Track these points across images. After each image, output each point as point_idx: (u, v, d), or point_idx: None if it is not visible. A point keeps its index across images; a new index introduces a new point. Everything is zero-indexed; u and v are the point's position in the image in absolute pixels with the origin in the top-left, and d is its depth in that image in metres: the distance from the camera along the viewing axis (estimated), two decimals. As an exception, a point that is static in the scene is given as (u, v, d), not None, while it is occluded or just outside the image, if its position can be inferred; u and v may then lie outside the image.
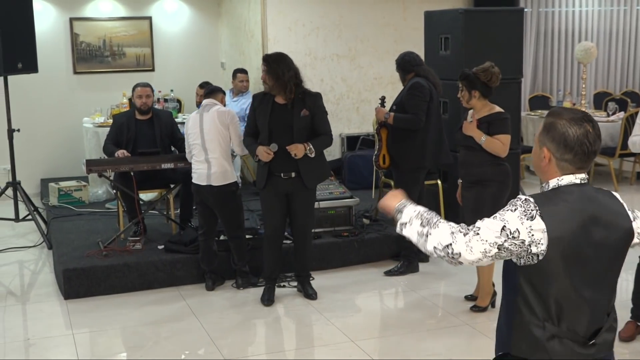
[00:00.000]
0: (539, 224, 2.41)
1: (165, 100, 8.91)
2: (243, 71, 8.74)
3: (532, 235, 2.41)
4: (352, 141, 9.01)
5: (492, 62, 5.42)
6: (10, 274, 6.59)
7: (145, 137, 6.84)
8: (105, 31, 9.68)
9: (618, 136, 9.16)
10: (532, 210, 2.42)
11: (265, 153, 5.49)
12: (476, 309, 5.56)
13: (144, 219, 6.66)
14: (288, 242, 6.16)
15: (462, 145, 5.48)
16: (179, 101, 9.44)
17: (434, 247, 2.53)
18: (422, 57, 7.32)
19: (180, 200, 6.91)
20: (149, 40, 9.85)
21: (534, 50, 10.80)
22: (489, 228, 2.46)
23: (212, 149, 5.81)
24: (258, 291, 5.94)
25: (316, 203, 6.47)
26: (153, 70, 9.89)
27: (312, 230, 5.96)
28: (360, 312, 5.68)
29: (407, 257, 6.38)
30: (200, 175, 5.87)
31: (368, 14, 9.09)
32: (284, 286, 6.06)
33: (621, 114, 9.47)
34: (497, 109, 5.40)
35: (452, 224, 2.55)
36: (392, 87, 8.66)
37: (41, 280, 6.38)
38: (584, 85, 9.81)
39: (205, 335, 5.20)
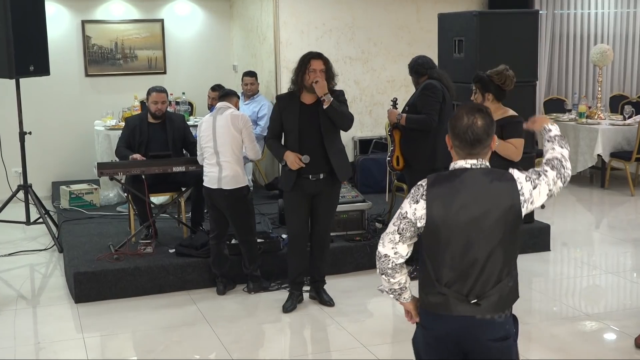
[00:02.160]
0: (421, 204, 2.87)
1: (177, 103, 8.89)
2: (249, 74, 8.68)
3: (415, 214, 2.88)
4: (364, 144, 8.95)
5: (507, 65, 5.37)
6: (21, 277, 6.58)
7: (158, 140, 6.82)
8: (117, 34, 9.68)
9: (634, 140, 9.06)
10: (418, 194, 2.89)
11: (295, 163, 5.40)
12: None
13: (155, 222, 6.63)
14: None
15: None
16: (190, 104, 9.41)
17: (381, 279, 3.09)
18: (436, 59, 7.27)
19: (192, 204, 6.89)
20: (160, 43, 9.84)
21: (549, 53, 10.71)
22: (394, 219, 2.95)
23: (224, 152, 5.77)
24: (270, 295, 5.90)
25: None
26: (165, 72, 9.88)
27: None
28: (372, 317, 5.62)
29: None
30: (211, 178, 5.82)
31: (381, 16, 9.04)
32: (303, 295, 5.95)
33: (638, 117, 9.38)
34: (511, 112, 5.35)
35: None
36: (406, 90, 8.59)
37: (52, 284, 6.38)
38: (599, 89, 9.73)
39: (216, 340, 5.16)
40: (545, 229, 7.07)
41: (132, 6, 9.75)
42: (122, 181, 6.63)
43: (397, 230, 2.93)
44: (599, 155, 9.18)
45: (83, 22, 9.53)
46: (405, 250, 2.98)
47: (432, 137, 6.04)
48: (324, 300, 5.77)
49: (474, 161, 2.95)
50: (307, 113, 5.44)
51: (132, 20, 9.73)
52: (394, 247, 2.96)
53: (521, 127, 5.25)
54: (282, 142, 5.60)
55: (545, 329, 5.31)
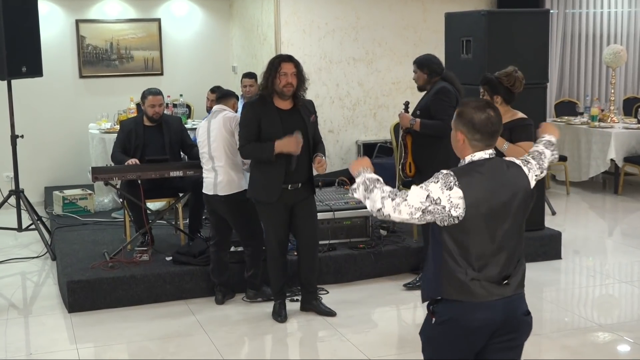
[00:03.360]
0: (457, 192, 2.99)
1: (175, 106, 8.75)
2: (248, 75, 8.53)
3: (451, 202, 2.99)
4: (369, 148, 8.80)
5: (516, 67, 5.26)
6: (12, 285, 6.48)
7: (154, 144, 6.69)
8: (112, 34, 9.58)
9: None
10: (450, 182, 3.01)
11: (296, 142, 5.13)
12: None
13: (152, 229, 6.52)
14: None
15: None
16: (188, 106, 9.26)
17: (371, 210, 3.10)
18: (443, 60, 7.10)
19: (190, 210, 6.75)
20: (157, 43, 9.75)
21: (560, 54, 10.55)
22: (416, 195, 3.03)
23: (218, 157, 5.62)
24: (269, 305, 5.74)
25: (331, 213, 6.44)
26: (162, 74, 9.78)
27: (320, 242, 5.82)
28: (377, 328, 5.52)
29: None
30: (208, 184, 5.71)
31: (386, 16, 8.92)
32: (296, 300, 5.84)
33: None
34: (520, 115, 5.26)
35: (386, 189, 3.09)
36: (412, 92, 8.41)
37: (44, 293, 6.28)
38: (612, 91, 9.58)
39: (214, 351, 5.05)
40: (556, 237, 6.90)
41: (128, 5, 9.65)
42: (118, 186, 6.44)
43: (424, 210, 3.02)
44: (612, 160, 9.03)
45: (77, 22, 9.43)
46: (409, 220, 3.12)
47: (445, 143, 5.81)
48: (323, 311, 5.64)
49: (491, 151, 3.14)
50: (288, 120, 5.27)
51: (127, 19, 9.64)
52: (409, 219, 3.07)
53: (531, 129, 5.20)
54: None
55: (557, 340, 5.21)
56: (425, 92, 6.07)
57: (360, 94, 8.89)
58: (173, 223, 6.95)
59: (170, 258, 6.18)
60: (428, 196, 3.01)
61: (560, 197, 9.05)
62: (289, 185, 5.29)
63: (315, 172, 5.43)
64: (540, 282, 6.27)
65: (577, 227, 7.97)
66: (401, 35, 8.97)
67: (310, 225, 5.48)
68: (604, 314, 5.77)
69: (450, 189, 3.00)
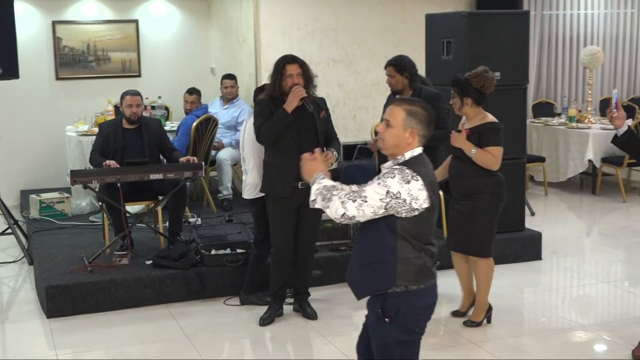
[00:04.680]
0: (415, 184, 3.19)
1: (153, 108, 8.67)
2: (229, 77, 8.55)
3: (411, 194, 3.17)
4: (348, 150, 8.74)
5: (487, 67, 5.22)
6: None
7: (133, 146, 6.60)
8: (89, 35, 9.49)
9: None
10: (407, 175, 3.19)
11: (295, 93, 5.11)
12: (471, 323, 5.37)
13: (131, 232, 6.41)
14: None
15: (453, 156, 5.28)
16: (166, 108, 9.15)
17: (334, 216, 3.21)
18: (423, 62, 7.11)
19: (169, 213, 6.67)
20: (135, 45, 9.66)
21: (538, 55, 10.59)
22: (375, 193, 3.17)
23: (248, 159, 5.65)
24: (252, 308, 5.72)
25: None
26: (139, 76, 9.69)
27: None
28: (358, 330, 5.33)
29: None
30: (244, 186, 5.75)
31: (366, 17, 8.88)
32: (289, 303, 5.79)
33: (629, 121, 9.19)
34: (490, 118, 5.19)
35: (343, 193, 3.22)
36: (390, 94, 8.40)
37: (22, 298, 6.18)
38: (590, 92, 9.59)
39: (196, 356, 5.00)
40: (536, 237, 6.93)
41: (105, 6, 9.56)
42: (97, 190, 6.34)
43: (385, 206, 3.17)
44: (589, 160, 9.05)
45: (54, 23, 9.33)
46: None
47: (441, 150, 5.83)
48: (307, 313, 5.61)
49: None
50: (298, 118, 5.24)
51: (105, 21, 9.55)
52: (372, 216, 3.20)
53: (501, 134, 5.17)
54: (269, 151, 5.39)
55: (537, 341, 5.20)
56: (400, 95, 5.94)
57: (340, 95, 8.84)
58: (152, 226, 6.86)
59: (151, 262, 6.10)
60: (388, 192, 3.15)
61: (538, 197, 9.08)
62: (300, 183, 5.22)
63: None
64: (521, 283, 6.30)
65: (555, 227, 7.98)
66: (381, 36, 8.93)
67: (313, 227, 5.47)
68: (583, 314, 5.77)
69: (409, 182, 3.16)
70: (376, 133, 5.94)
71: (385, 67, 6.00)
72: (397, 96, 5.80)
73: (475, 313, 5.39)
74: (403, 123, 3.28)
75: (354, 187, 3.42)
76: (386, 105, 5.90)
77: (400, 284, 3.25)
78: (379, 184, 3.18)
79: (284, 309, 5.64)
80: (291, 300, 5.75)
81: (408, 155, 3.28)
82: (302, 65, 5.28)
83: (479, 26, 6.65)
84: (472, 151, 5.06)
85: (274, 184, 5.33)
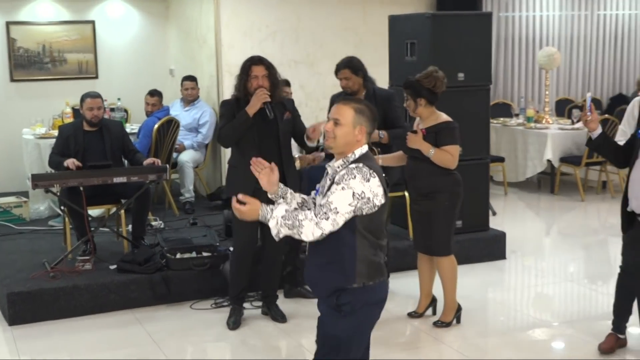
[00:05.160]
0: (374, 181, 3.25)
1: (112, 110, 8.52)
2: (189, 78, 8.47)
3: (372, 191, 3.23)
4: (310, 152, 8.66)
5: (437, 67, 5.24)
6: None
7: (95, 149, 6.45)
8: (44, 36, 9.35)
9: (584, 144, 8.98)
10: (366, 173, 3.24)
11: (258, 95, 5.08)
12: (441, 324, 5.39)
13: (93, 236, 6.28)
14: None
15: (409, 157, 5.29)
16: (125, 110, 9.01)
17: (309, 238, 3.25)
18: (386, 62, 7.13)
19: (133, 216, 6.57)
20: (91, 46, 9.56)
21: (495, 56, 10.65)
22: (343, 199, 3.21)
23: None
24: (219, 311, 5.66)
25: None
26: (97, 77, 9.59)
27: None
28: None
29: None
30: None
31: (327, 18, 8.86)
32: (256, 306, 5.77)
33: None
34: (444, 117, 5.21)
35: (309, 213, 3.26)
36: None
37: None
38: (547, 92, 9.71)
39: None
40: (500, 237, 6.98)
41: (61, 7, 9.43)
42: (58, 193, 6.19)
43: (354, 210, 3.24)
44: (548, 160, 9.14)
45: (7, 24, 9.18)
46: None
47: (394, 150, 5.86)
48: (276, 316, 5.56)
49: None
50: (260, 121, 5.19)
51: (60, 21, 9.42)
52: (343, 223, 3.26)
53: (457, 132, 5.18)
54: (232, 153, 5.39)
55: (505, 340, 5.26)
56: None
57: (302, 96, 8.78)
58: (116, 230, 6.75)
59: (115, 266, 5.99)
60: (353, 194, 3.21)
61: (498, 197, 9.15)
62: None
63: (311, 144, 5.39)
64: (485, 283, 6.35)
65: (515, 226, 8.00)
66: (342, 37, 8.90)
67: None
68: (546, 311, 5.84)
69: (368, 180, 3.23)
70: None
71: (338, 71, 5.88)
72: (345, 96, 5.76)
73: (444, 313, 5.40)
74: (352, 121, 3.34)
75: (310, 200, 3.54)
76: (331, 105, 5.87)
77: (358, 281, 3.30)
78: (342, 188, 3.22)
79: (252, 312, 5.63)
80: (259, 303, 5.71)
81: (358, 152, 3.34)
82: (269, 67, 5.24)
83: (442, 27, 6.64)
84: (430, 151, 5.07)
85: (235, 185, 5.26)
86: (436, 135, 5.10)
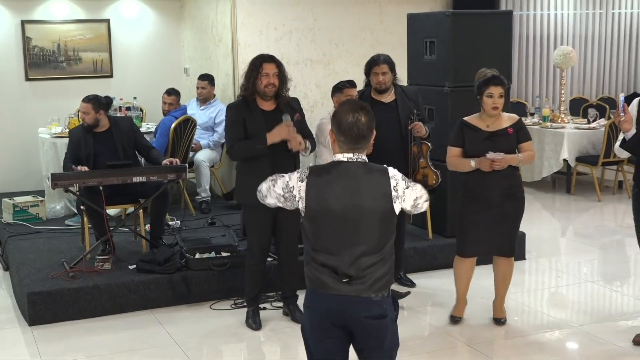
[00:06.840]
0: (303, 186, 3.21)
1: (128, 109, 8.52)
2: (201, 77, 8.48)
3: (300, 193, 3.22)
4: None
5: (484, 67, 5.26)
6: None
7: (107, 149, 6.39)
8: (59, 35, 9.33)
9: (600, 144, 9.01)
10: (303, 175, 3.23)
11: (287, 128, 5.06)
12: (504, 321, 5.44)
13: (112, 236, 6.24)
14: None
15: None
16: (141, 109, 8.99)
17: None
18: (404, 62, 7.07)
19: (151, 216, 6.55)
20: (106, 45, 9.54)
21: (510, 55, 10.66)
22: (281, 182, 3.27)
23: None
24: (240, 312, 5.63)
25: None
26: (111, 76, 9.58)
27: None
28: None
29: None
30: None
31: (343, 17, 8.82)
32: (264, 308, 5.73)
33: (602, 121, 9.33)
34: (507, 115, 5.19)
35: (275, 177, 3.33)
36: (369, 94, 8.36)
37: None
38: (562, 92, 9.67)
39: None
40: (520, 238, 6.87)
41: (76, 5, 9.42)
42: (78, 193, 6.17)
43: (284, 196, 3.27)
44: (564, 159, 9.09)
45: (23, 22, 9.17)
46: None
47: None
48: (296, 317, 5.50)
49: (351, 155, 3.22)
50: (272, 121, 5.15)
51: (75, 20, 9.41)
52: (277, 202, 3.33)
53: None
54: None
55: (524, 339, 5.24)
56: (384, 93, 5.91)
57: (318, 95, 8.77)
58: (134, 230, 6.72)
59: (134, 266, 5.96)
60: (287, 184, 3.26)
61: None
62: None
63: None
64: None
65: (531, 227, 7.95)
66: (358, 36, 8.87)
67: (293, 229, 5.31)
68: (564, 311, 5.82)
69: (302, 181, 3.23)
70: (419, 144, 5.83)
71: (377, 65, 5.85)
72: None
73: (501, 309, 5.43)
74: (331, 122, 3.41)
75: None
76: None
77: (307, 286, 3.33)
78: (289, 175, 3.32)
79: (273, 312, 5.63)
80: (279, 303, 5.70)
81: (330, 158, 3.36)
82: (279, 65, 5.22)
83: (462, 26, 6.59)
84: (519, 159, 4.99)
85: (247, 192, 5.20)
86: (517, 132, 5.03)
